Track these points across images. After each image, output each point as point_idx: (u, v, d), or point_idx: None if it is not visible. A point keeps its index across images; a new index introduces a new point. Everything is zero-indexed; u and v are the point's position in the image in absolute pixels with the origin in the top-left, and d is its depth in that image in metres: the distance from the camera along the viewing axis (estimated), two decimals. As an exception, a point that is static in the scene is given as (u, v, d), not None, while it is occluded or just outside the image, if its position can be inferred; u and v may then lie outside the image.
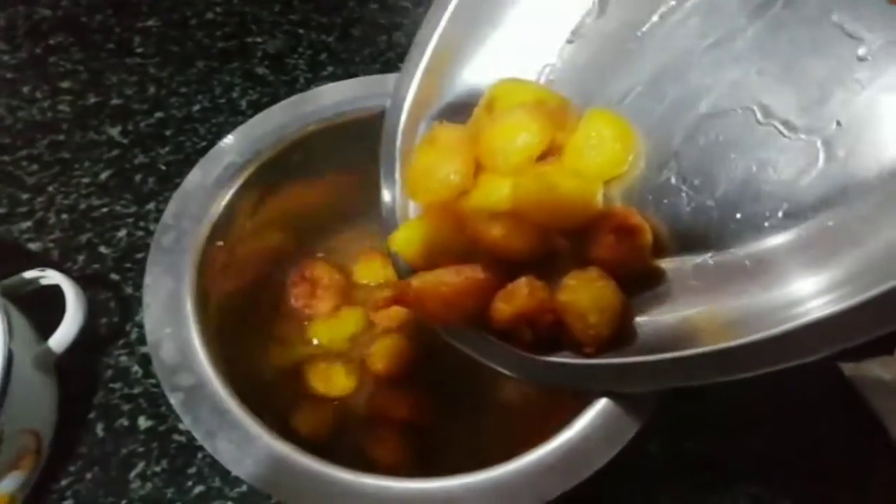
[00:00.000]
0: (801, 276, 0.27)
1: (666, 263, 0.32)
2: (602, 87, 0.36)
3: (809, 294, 0.26)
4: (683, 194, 0.32)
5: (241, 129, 0.41)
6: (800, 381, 0.44)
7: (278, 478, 0.28)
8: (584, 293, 0.30)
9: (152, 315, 0.33)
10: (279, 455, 0.29)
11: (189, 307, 0.33)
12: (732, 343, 0.26)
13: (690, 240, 0.31)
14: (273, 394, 0.40)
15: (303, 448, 0.30)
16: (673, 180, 0.33)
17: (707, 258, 0.31)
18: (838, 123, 0.28)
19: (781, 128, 0.30)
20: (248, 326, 0.40)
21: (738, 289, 0.29)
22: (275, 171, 0.41)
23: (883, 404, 0.42)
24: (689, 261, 0.31)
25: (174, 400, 0.30)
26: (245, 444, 0.29)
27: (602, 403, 0.31)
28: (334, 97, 0.43)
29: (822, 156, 0.28)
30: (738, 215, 0.30)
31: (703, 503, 0.41)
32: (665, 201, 0.32)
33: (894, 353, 0.43)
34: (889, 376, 0.42)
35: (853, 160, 0.27)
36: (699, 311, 0.30)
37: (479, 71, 0.38)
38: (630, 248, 0.31)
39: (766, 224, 0.29)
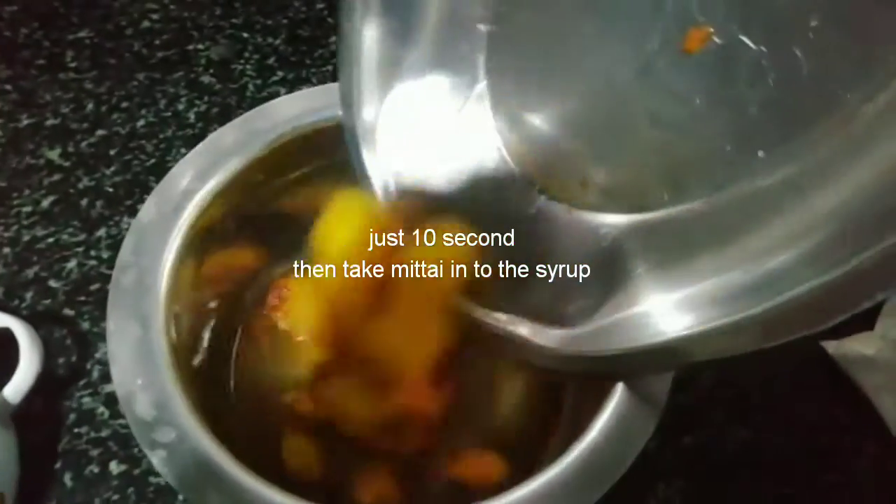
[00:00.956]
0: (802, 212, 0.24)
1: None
2: (544, 98, 0.34)
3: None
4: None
5: (195, 151, 0.38)
6: (784, 363, 0.44)
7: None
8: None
9: (120, 366, 0.30)
10: (277, 508, 0.27)
11: (161, 353, 0.31)
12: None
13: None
14: (267, 432, 0.38)
15: (301, 494, 0.28)
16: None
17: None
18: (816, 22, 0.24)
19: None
20: (229, 361, 0.38)
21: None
22: (238, 193, 0.38)
23: (868, 381, 0.43)
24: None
25: (155, 459, 0.28)
26: (239, 499, 0.27)
27: (609, 411, 0.30)
28: (291, 110, 0.40)
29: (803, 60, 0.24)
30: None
31: (698, 496, 0.41)
32: None
33: (875, 328, 0.44)
34: (871, 352, 0.43)
35: (842, 63, 0.24)
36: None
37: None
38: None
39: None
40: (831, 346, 0.44)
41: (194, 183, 0.37)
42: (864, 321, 0.44)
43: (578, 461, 0.28)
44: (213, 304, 0.39)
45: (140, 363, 0.31)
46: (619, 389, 0.30)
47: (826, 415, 0.43)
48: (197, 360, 0.34)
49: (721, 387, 0.43)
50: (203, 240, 0.37)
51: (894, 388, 0.42)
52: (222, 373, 0.39)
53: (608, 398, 0.30)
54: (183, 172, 0.37)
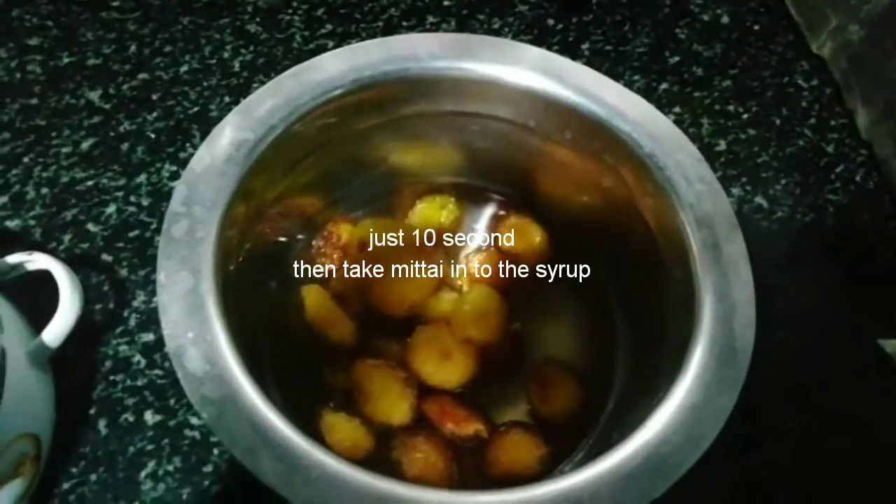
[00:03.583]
0: None
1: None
2: None
3: None
4: None
5: (247, 102, 0.36)
6: (840, 361, 0.43)
7: (334, 500, 0.26)
8: None
9: (171, 318, 0.29)
10: (332, 474, 0.26)
11: (212, 306, 0.30)
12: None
13: None
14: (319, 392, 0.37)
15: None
16: None
17: None
18: None
19: None
20: (280, 317, 0.37)
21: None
22: (292, 146, 0.37)
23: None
24: None
25: (206, 415, 0.27)
26: (292, 461, 0.26)
27: (679, 399, 0.28)
28: (345, 63, 0.38)
29: None
30: None
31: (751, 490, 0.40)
32: None
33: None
34: (930, 351, 0.41)
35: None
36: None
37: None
38: None
39: None
40: (890, 345, 0.43)
41: (246, 133, 0.36)
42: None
43: (650, 446, 0.27)
44: (266, 255, 0.38)
45: (191, 315, 0.29)
46: (690, 374, 0.29)
47: (883, 413, 0.42)
48: (250, 314, 0.33)
49: (776, 380, 0.42)
50: (258, 191, 0.35)
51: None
52: (280, 330, 0.38)
53: (678, 379, 0.29)
54: (234, 121, 0.36)
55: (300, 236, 0.43)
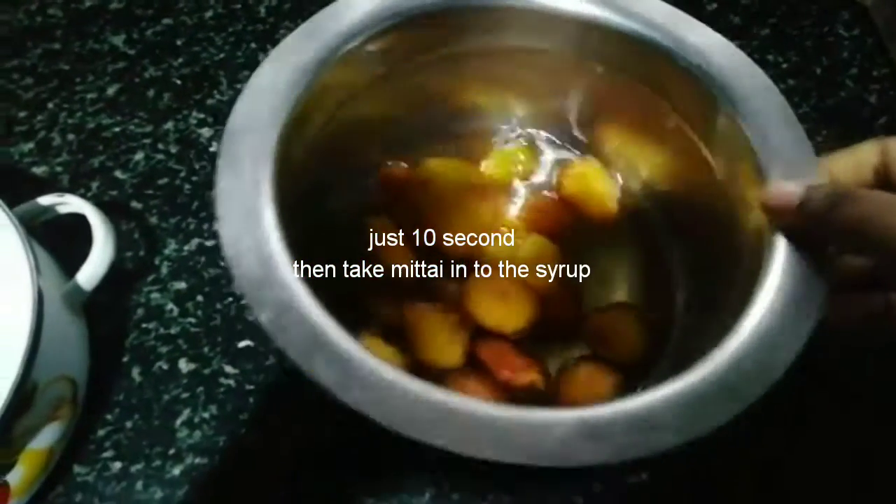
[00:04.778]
0: None
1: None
2: None
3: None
4: None
5: (307, 24, 0.35)
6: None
7: (391, 405, 0.25)
8: None
9: (228, 226, 0.29)
10: (390, 380, 0.26)
11: (269, 217, 0.29)
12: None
13: None
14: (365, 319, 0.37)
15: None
16: None
17: None
18: None
19: None
20: (337, 233, 0.37)
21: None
22: (353, 72, 0.36)
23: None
24: None
25: (263, 318, 0.27)
26: (348, 365, 0.26)
27: (755, 321, 0.28)
28: None
29: None
30: None
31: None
32: None
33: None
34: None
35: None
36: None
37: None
38: None
39: None
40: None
41: (311, 55, 0.34)
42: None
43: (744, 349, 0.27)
44: (325, 175, 0.38)
45: (248, 225, 0.29)
46: (766, 299, 0.29)
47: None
48: (306, 226, 0.32)
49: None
50: (315, 114, 0.35)
51: None
52: (337, 245, 0.38)
53: (751, 305, 0.28)
54: (298, 41, 0.35)
55: (356, 173, 0.42)
